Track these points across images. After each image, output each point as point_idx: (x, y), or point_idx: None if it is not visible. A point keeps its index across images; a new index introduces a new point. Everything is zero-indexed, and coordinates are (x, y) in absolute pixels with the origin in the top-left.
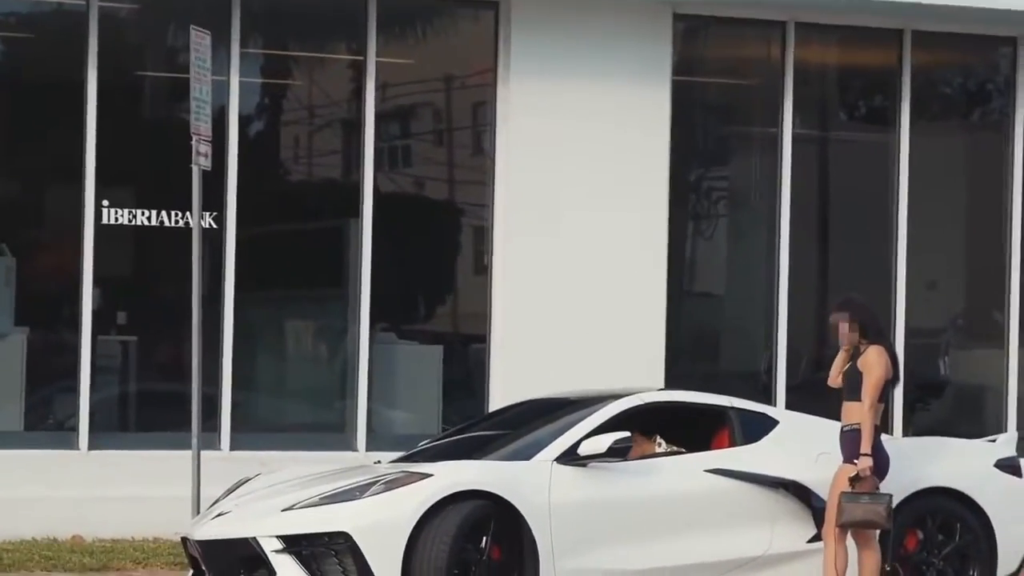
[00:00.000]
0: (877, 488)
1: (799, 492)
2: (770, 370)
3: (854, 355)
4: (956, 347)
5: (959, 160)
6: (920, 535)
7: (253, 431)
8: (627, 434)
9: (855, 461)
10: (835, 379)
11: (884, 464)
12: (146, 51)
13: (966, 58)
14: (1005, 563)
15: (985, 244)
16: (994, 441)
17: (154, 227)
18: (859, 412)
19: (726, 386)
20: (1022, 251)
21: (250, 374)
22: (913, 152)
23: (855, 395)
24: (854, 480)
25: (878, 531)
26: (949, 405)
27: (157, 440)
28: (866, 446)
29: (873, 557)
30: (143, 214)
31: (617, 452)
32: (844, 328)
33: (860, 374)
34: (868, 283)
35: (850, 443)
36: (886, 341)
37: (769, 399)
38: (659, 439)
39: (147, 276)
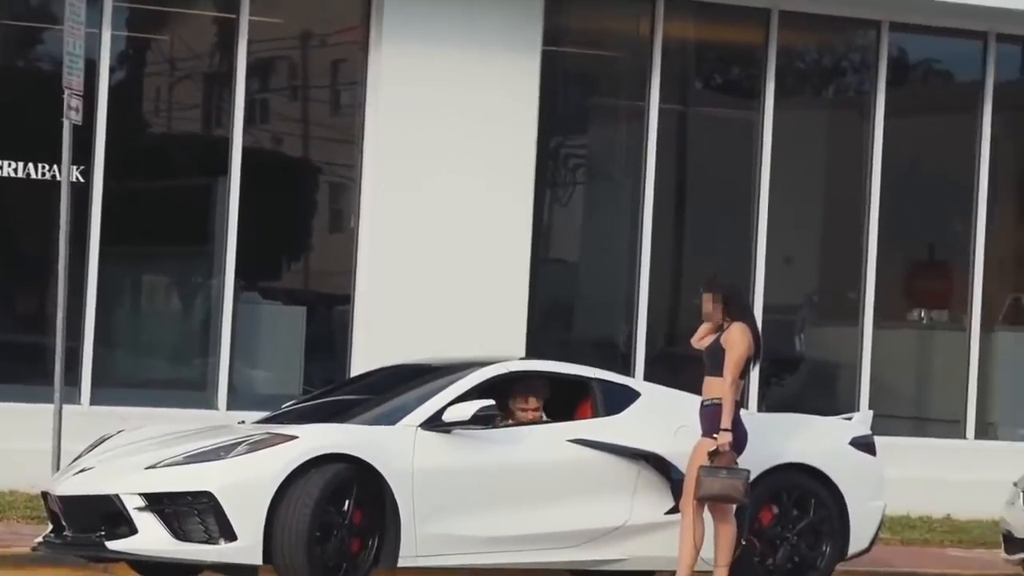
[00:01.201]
0: (735, 463)
1: (659, 464)
2: (630, 341)
3: (719, 331)
4: (812, 324)
5: (820, 138)
6: (775, 510)
7: (114, 387)
8: (491, 402)
9: (715, 436)
10: (698, 341)
11: (743, 439)
12: None
13: (831, 39)
14: (857, 540)
15: (843, 222)
16: (849, 419)
17: (19, 179)
18: (720, 387)
19: (586, 356)
20: (879, 229)
21: (112, 329)
22: (776, 129)
23: (717, 371)
24: (713, 454)
25: (735, 505)
26: (804, 381)
27: (17, 393)
28: (726, 421)
29: (730, 531)
30: (9, 166)
31: (482, 420)
32: (709, 305)
33: (723, 350)
34: (728, 258)
35: (710, 417)
36: (750, 319)
37: (628, 370)
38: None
39: (11, 229)
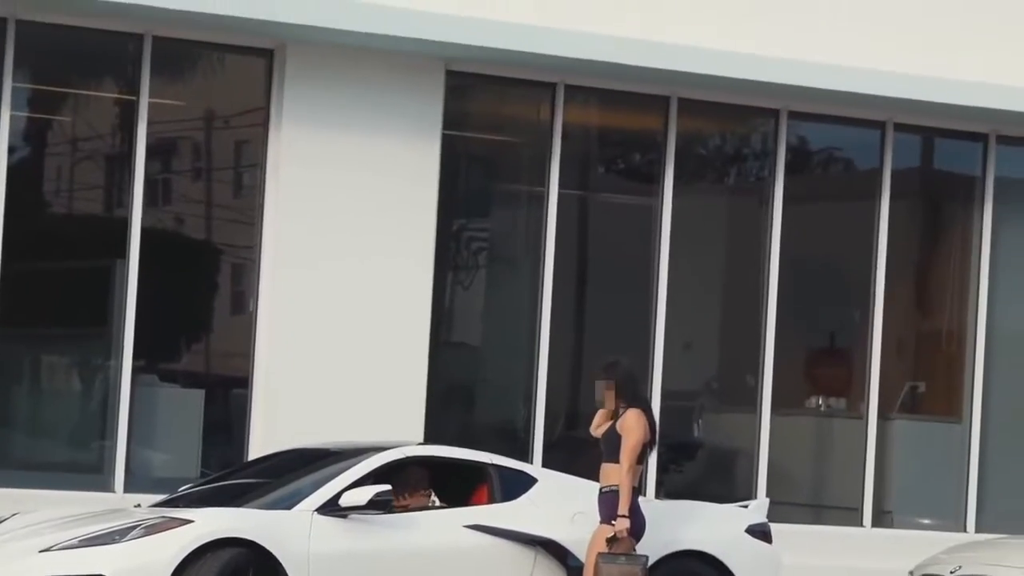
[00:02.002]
0: (633, 549)
1: (556, 551)
2: (528, 426)
3: (614, 417)
4: (710, 410)
5: (720, 224)
6: None
7: (9, 468)
8: (388, 487)
9: (613, 522)
10: (595, 429)
11: (641, 526)
12: None
13: (730, 125)
14: None
15: (741, 307)
16: (746, 507)
17: None
18: (617, 474)
19: (485, 440)
20: (777, 316)
21: (8, 411)
22: (675, 214)
23: (614, 457)
24: (611, 541)
25: None
26: (702, 468)
27: None
28: (623, 507)
29: None
30: None
31: (378, 504)
32: (603, 390)
33: (619, 436)
34: (627, 342)
35: (608, 504)
36: (645, 404)
37: (527, 455)
38: (432, 494)
39: None
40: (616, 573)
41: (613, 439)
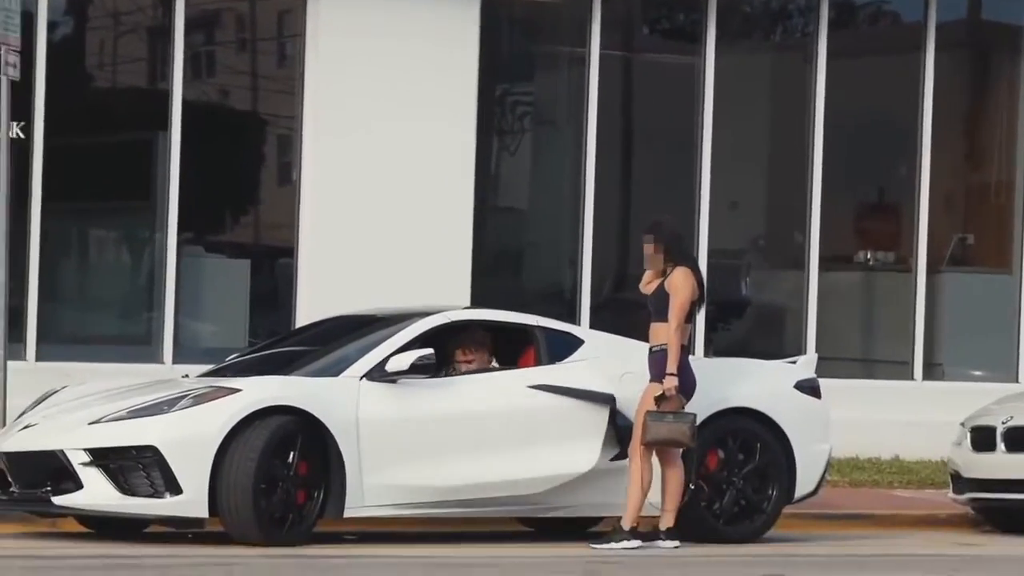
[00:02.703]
0: (683, 407)
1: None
2: (575, 288)
3: (662, 276)
4: (757, 267)
5: (764, 82)
6: (721, 454)
7: (59, 342)
8: (430, 351)
9: (662, 380)
10: (645, 286)
11: (690, 384)
12: None
13: None
14: (804, 483)
15: (787, 165)
16: (794, 362)
17: None
18: (666, 332)
19: (531, 304)
20: (823, 172)
21: (56, 286)
22: (719, 74)
23: (662, 316)
24: (660, 399)
25: (682, 449)
26: (750, 325)
27: None
28: (672, 366)
29: (677, 475)
30: None
31: (421, 369)
32: (650, 251)
33: (667, 295)
34: (672, 203)
35: (658, 363)
36: (692, 263)
37: (574, 317)
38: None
39: None
40: (664, 431)
41: (662, 298)
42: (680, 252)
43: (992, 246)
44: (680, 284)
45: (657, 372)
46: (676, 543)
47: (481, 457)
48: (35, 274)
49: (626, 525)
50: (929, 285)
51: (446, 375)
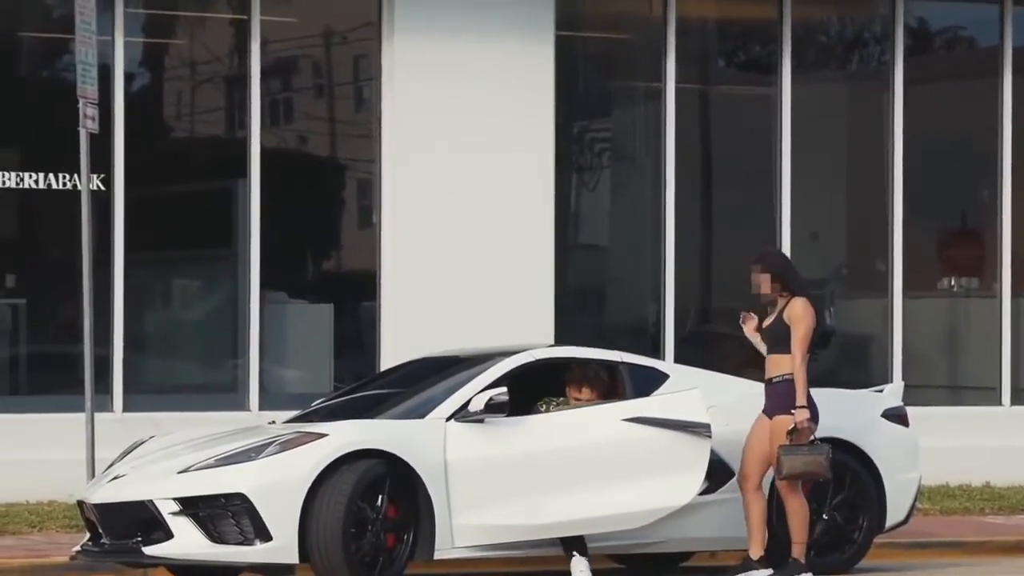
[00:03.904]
0: (814, 439)
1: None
2: (658, 323)
3: (773, 307)
4: (841, 297)
5: (841, 110)
6: (810, 485)
7: (146, 392)
8: (503, 389)
9: (792, 411)
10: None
11: (816, 416)
12: (25, 9)
13: (846, 9)
14: (894, 512)
15: (867, 193)
16: (881, 391)
17: (42, 190)
18: (786, 364)
19: (616, 339)
20: (904, 199)
21: (141, 335)
22: (795, 103)
23: (780, 348)
24: (791, 432)
25: (804, 481)
26: (836, 355)
27: (49, 403)
28: (801, 398)
29: (802, 506)
30: (31, 176)
31: (495, 408)
32: (764, 281)
33: (786, 327)
34: (753, 234)
35: (778, 394)
36: (808, 292)
37: (658, 352)
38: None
39: (35, 239)
40: (800, 464)
41: (780, 330)
42: (796, 281)
43: None
44: (801, 314)
45: (779, 404)
46: (810, 575)
47: (574, 493)
48: (120, 325)
49: (755, 555)
50: (1014, 309)
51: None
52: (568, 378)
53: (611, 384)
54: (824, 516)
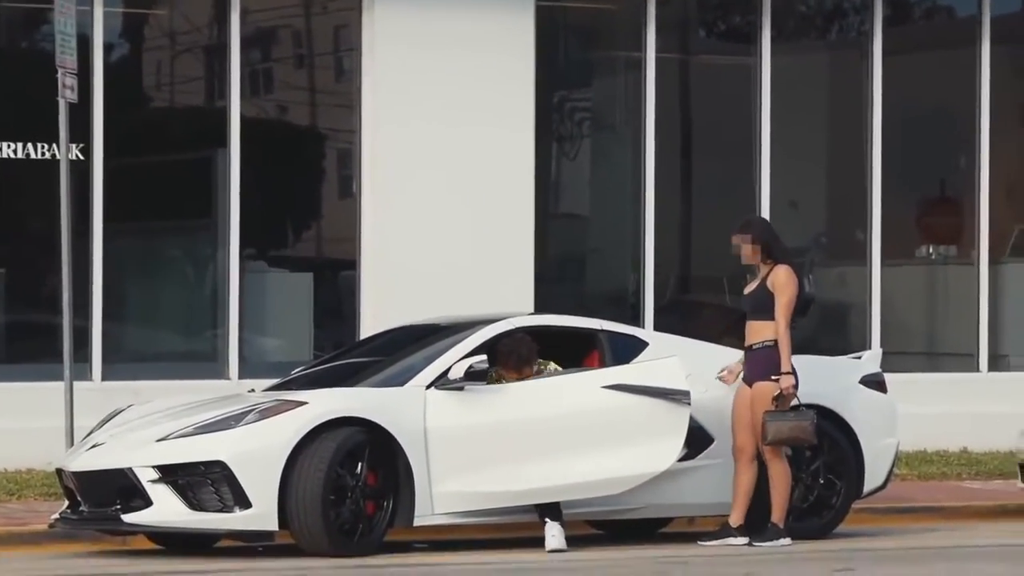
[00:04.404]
0: (798, 405)
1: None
2: (638, 292)
3: (759, 274)
4: (820, 265)
5: (820, 80)
6: (789, 450)
7: (125, 361)
8: (483, 357)
9: (773, 377)
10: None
11: (797, 382)
12: None
13: None
14: (872, 477)
15: (846, 162)
16: (859, 358)
17: (20, 159)
18: (768, 330)
19: (595, 309)
20: (882, 168)
21: (120, 305)
22: (775, 73)
23: (762, 315)
24: (777, 398)
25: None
26: (814, 323)
27: (29, 372)
28: (786, 364)
29: (785, 471)
30: (9, 147)
31: (475, 376)
32: (748, 250)
33: (770, 294)
34: (732, 203)
35: (760, 360)
36: (791, 260)
37: (638, 321)
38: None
39: (14, 209)
40: (786, 430)
41: (763, 296)
42: (779, 249)
43: None
44: (785, 281)
45: (762, 370)
46: (788, 540)
47: (554, 460)
48: (99, 294)
49: (735, 522)
50: (992, 277)
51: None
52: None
53: (584, 351)
54: (803, 481)
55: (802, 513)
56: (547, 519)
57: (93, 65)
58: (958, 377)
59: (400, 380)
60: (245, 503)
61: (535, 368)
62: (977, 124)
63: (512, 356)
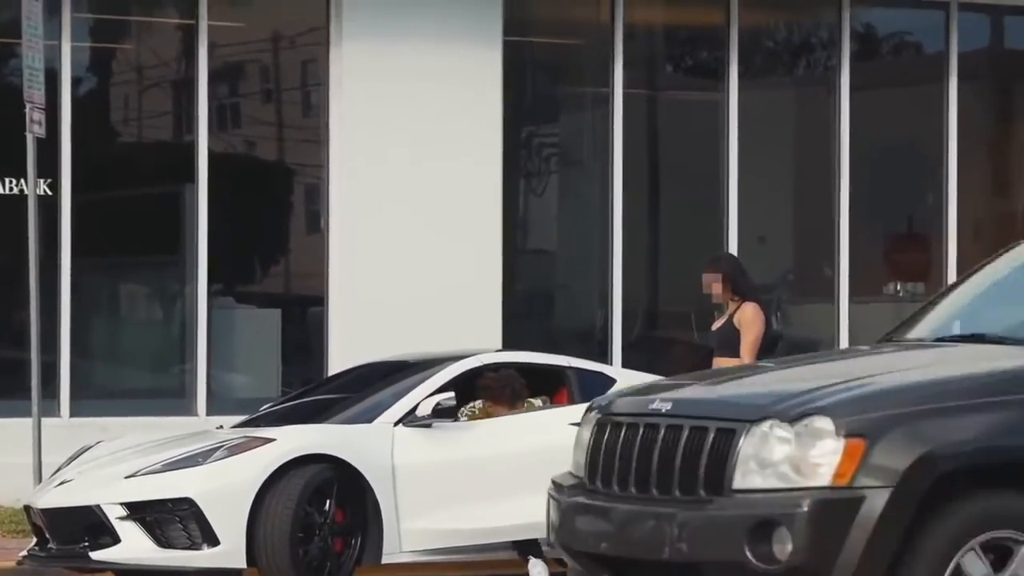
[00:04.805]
0: None
1: None
2: (606, 328)
3: (726, 310)
4: (788, 302)
5: (787, 115)
6: None
7: (93, 397)
8: (451, 394)
9: None
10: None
11: None
12: None
13: (793, 16)
14: None
15: (814, 198)
16: None
17: None
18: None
19: (564, 345)
20: (850, 204)
21: (89, 341)
22: (742, 108)
23: (729, 351)
24: None
25: None
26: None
27: None
28: None
29: None
30: None
31: (443, 412)
32: (716, 287)
33: (736, 330)
34: (700, 239)
35: None
36: (759, 297)
37: (606, 357)
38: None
39: None
40: None
41: (729, 333)
42: (747, 286)
43: None
44: (752, 319)
45: None
46: None
47: (523, 496)
48: (67, 330)
49: None
50: None
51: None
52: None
53: (552, 388)
54: None
55: None
56: (529, 556)
57: (61, 100)
58: None
59: (368, 417)
60: (213, 540)
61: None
62: (945, 160)
63: (507, 390)
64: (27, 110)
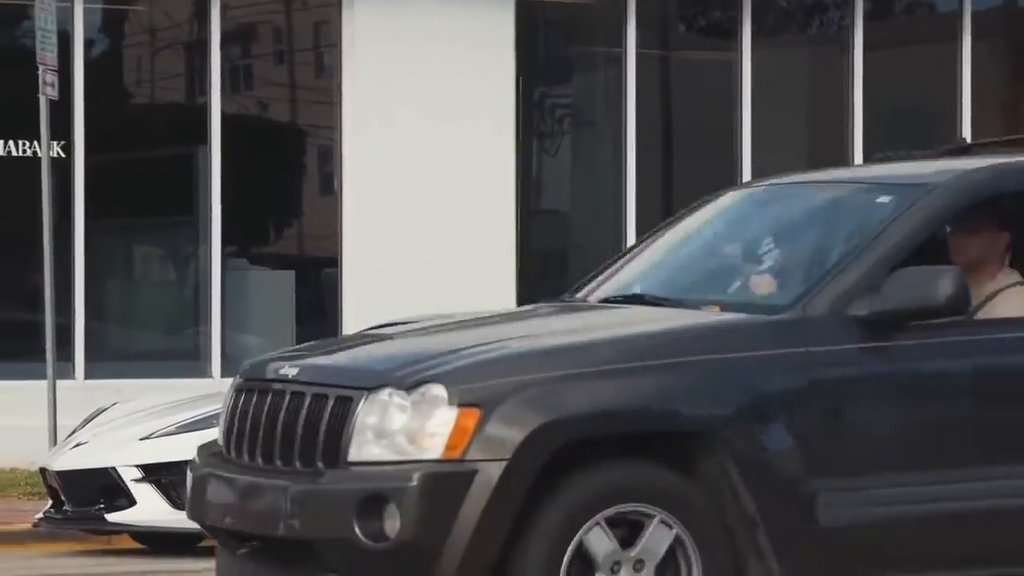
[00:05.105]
0: None
1: None
2: None
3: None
4: None
5: (801, 75)
6: None
7: (107, 360)
8: None
9: None
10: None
11: None
12: None
13: None
14: None
15: (827, 157)
16: None
17: (1, 157)
18: None
19: None
20: (864, 162)
21: (103, 303)
22: (755, 68)
23: None
24: None
25: None
26: None
27: (10, 370)
28: None
29: None
30: None
31: None
32: None
33: None
34: None
35: None
36: None
37: None
38: None
39: None
40: None
41: None
42: None
43: None
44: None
45: None
46: None
47: None
48: (81, 292)
49: None
50: None
51: None
52: None
53: None
54: None
55: None
56: None
57: (74, 62)
58: None
59: None
60: None
61: None
62: (958, 118)
63: None
64: (40, 72)
